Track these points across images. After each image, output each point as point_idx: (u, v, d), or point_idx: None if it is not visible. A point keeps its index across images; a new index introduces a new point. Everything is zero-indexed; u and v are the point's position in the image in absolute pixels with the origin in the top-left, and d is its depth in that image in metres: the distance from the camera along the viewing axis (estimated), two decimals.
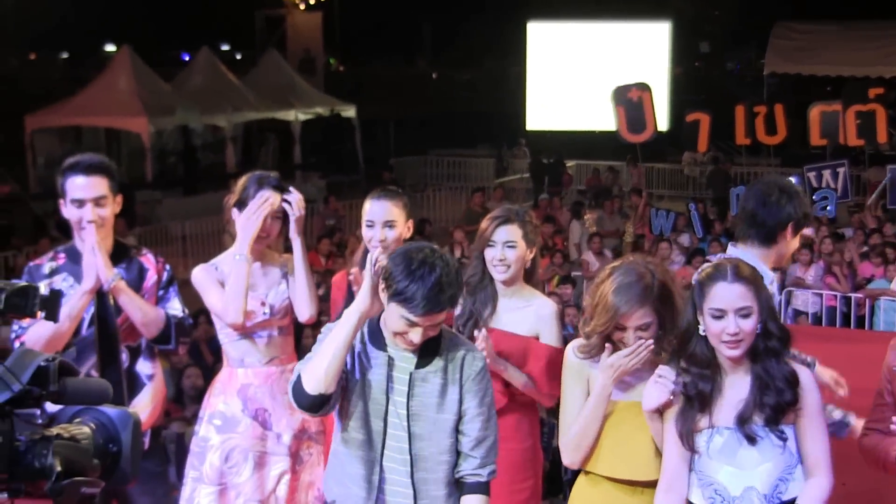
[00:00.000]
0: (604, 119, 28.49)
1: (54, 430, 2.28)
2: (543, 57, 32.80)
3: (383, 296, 4.18)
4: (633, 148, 23.30)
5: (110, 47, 34.85)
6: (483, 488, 4.41)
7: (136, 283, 5.49)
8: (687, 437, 4.27)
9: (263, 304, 5.62)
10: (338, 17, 39.87)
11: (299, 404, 4.24)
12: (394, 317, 4.16)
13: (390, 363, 4.30)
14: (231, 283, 5.50)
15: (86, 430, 2.37)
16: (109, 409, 2.44)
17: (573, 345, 4.69)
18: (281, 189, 5.64)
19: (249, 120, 28.04)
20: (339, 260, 16.44)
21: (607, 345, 4.52)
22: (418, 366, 4.30)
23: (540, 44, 32.90)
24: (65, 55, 42.71)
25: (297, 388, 4.21)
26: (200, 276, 5.63)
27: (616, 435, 4.58)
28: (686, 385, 4.27)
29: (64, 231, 5.08)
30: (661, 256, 16.95)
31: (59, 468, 2.21)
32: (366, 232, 5.73)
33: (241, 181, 5.70)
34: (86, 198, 5.24)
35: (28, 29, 38.16)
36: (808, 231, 18.25)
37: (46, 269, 5.41)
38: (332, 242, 18.17)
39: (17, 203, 21.97)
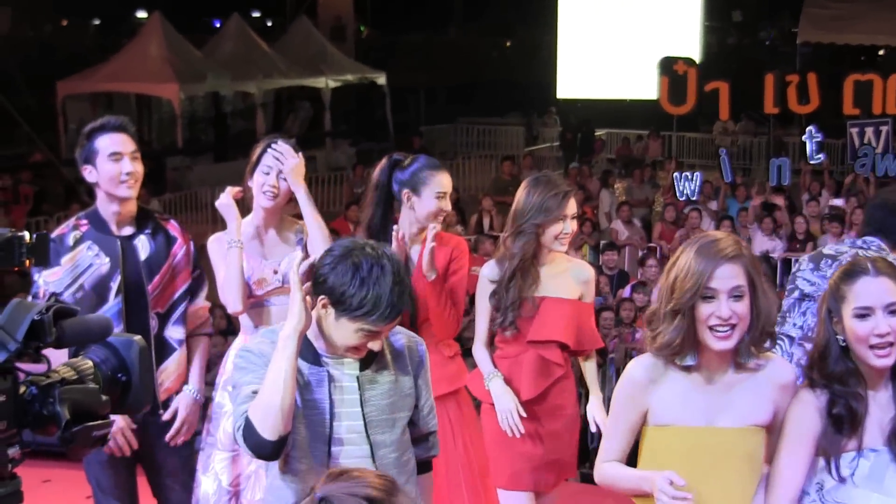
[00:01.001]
0: (635, 87, 28.46)
1: (60, 373, 2.26)
2: (575, 25, 32.58)
3: (323, 312, 3.72)
4: (663, 118, 23.23)
5: (142, 14, 34.81)
6: (430, 464, 4.25)
7: (164, 251, 5.48)
8: (834, 463, 3.75)
9: (276, 271, 5.57)
10: None
11: (260, 454, 3.70)
12: (347, 332, 3.71)
13: (330, 378, 3.83)
14: (225, 272, 5.46)
15: (88, 363, 2.35)
16: (113, 339, 2.42)
17: (640, 361, 3.96)
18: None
19: (280, 87, 28.07)
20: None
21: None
22: (362, 367, 3.87)
23: (571, 12, 32.69)
24: (97, 22, 42.66)
25: (252, 436, 3.66)
26: (213, 248, 5.63)
27: (694, 470, 3.79)
28: (832, 403, 3.75)
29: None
30: (691, 226, 16.95)
31: (67, 416, 2.19)
32: (436, 203, 5.64)
33: (257, 147, 5.65)
34: (123, 151, 5.26)
35: None
36: (837, 201, 18.31)
37: (70, 239, 5.35)
38: (360, 209, 18.15)
39: (49, 169, 22.09)
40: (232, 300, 5.48)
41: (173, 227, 5.57)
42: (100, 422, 2.28)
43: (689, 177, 18.93)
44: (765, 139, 25.93)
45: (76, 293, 5.30)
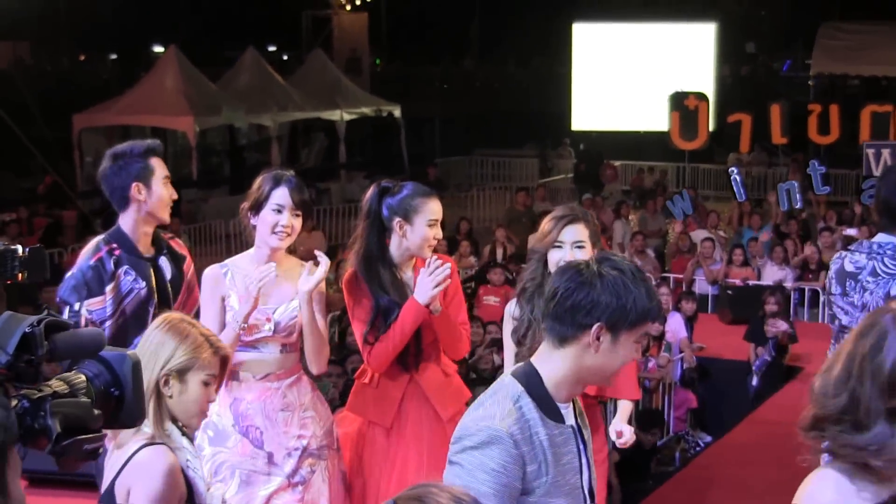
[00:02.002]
0: (649, 119, 28.55)
1: (52, 387, 2.27)
2: (589, 57, 32.70)
3: (595, 344, 3.28)
4: (678, 151, 23.31)
5: (158, 48, 35.08)
6: None
7: (180, 270, 5.62)
8: None
9: (269, 319, 5.47)
10: (385, 17, 40.07)
11: None
12: (628, 348, 3.34)
13: (575, 435, 3.45)
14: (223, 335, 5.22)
15: (81, 377, 2.36)
16: (107, 353, 2.42)
17: (824, 482, 2.88)
18: (300, 189, 5.56)
19: (295, 119, 28.18)
20: None
21: None
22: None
23: (586, 44, 32.82)
24: (114, 56, 43.03)
25: None
26: (206, 283, 5.57)
27: None
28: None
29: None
30: (704, 255, 16.98)
31: (58, 429, 2.20)
32: (429, 231, 5.60)
33: (257, 181, 5.56)
34: (168, 174, 5.54)
35: (79, 29, 38.56)
36: (851, 231, 18.32)
37: (112, 264, 5.41)
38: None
39: (64, 201, 22.21)
40: None
41: (179, 245, 5.67)
42: (91, 435, 2.29)
43: (681, 198, 19.03)
44: (778, 170, 25.97)
45: (118, 320, 5.39)
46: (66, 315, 5.26)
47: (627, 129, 31.68)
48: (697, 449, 11.88)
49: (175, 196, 5.57)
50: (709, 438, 12.22)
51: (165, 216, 5.54)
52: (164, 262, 5.57)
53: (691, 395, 12.94)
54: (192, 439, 4.03)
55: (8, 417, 2.13)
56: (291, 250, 5.70)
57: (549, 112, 34.01)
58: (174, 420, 3.92)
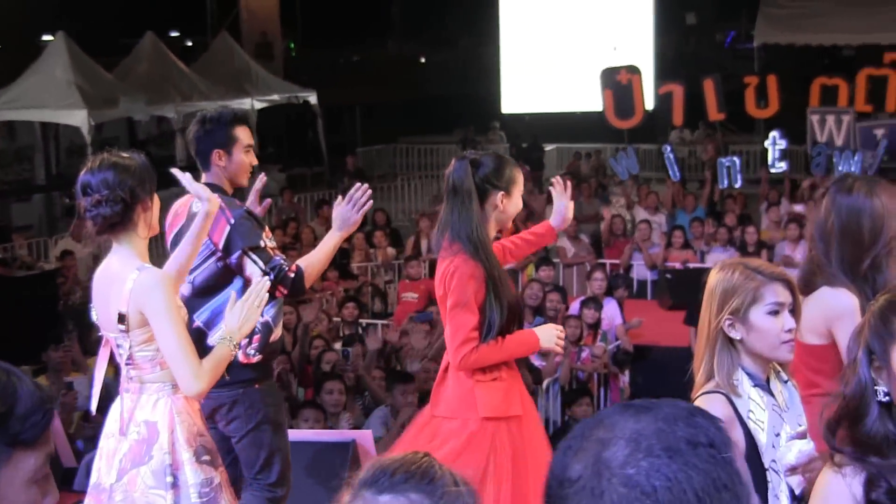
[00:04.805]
0: (585, 99, 28.52)
1: None
2: (519, 36, 32.78)
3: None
4: (617, 131, 23.28)
5: (48, 36, 34.64)
6: None
7: None
8: None
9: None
10: None
11: None
12: None
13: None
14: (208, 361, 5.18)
15: None
16: None
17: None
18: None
19: (200, 110, 27.82)
20: (291, 252, 16.40)
21: None
22: None
23: (515, 21, 32.87)
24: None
25: None
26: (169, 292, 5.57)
27: None
28: (870, 485, 3.01)
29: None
30: (641, 238, 16.98)
31: None
32: (521, 202, 6.07)
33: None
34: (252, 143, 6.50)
35: None
36: (798, 207, 18.39)
37: None
38: (285, 234, 18.15)
39: None
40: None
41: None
42: None
43: (625, 153, 19.13)
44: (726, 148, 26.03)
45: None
46: (256, 257, 6.02)
47: (562, 111, 31.71)
48: None
49: (255, 162, 6.47)
50: None
51: (244, 182, 6.47)
52: None
53: (625, 381, 12.99)
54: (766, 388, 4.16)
55: None
56: None
57: (478, 95, 34.01)
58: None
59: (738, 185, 19.43)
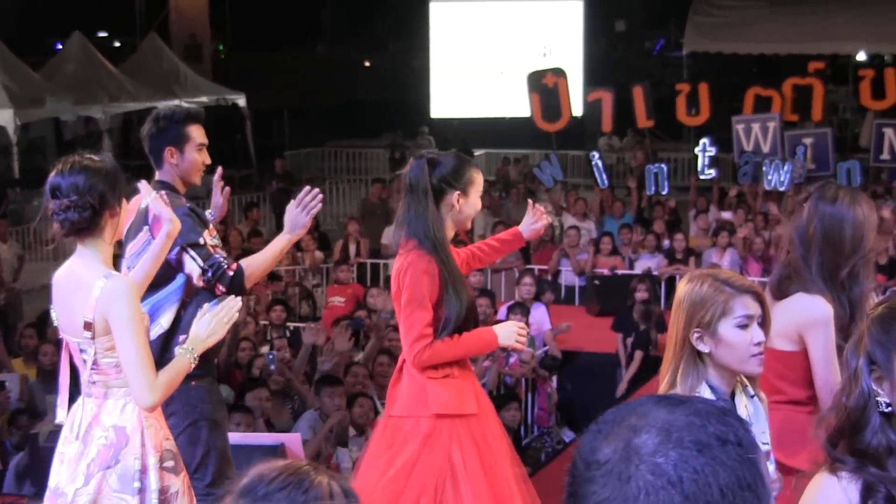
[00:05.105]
0: (514, 105, 28.58)
1: None
2: (449, 40, 32.79)
3: None
4: (543, 136, 23.32)
5: None
6: None
7: None
8: None
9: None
10: None
11: None
12: None
13: None
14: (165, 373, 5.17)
15: None
16: None
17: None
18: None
19: (128, 111, 27.72)
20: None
21: None
22: None
23: (445, 26, 32.90)
24: None
25: None
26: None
27: None
28: (867, 494, 2.95)
29: None
30: (569, 244, 17.04)
31: None
32: (479, 203, 6.05)
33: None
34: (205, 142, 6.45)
35: None
36: (726, 214, 18.55)
37: None
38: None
39: None
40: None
41: None
42: None
43: (549, 161, 19.22)
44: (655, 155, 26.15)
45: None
46: (195, 254, 6.02)
47: (491, 116, 31.78)
48: (559, 447, 11.87)
49: (208, 161, 6.38)
50: (572, 435, 12.25)
51: (196, 180, 6.43)
52: None
53: (553, 387, 13.04)
54: None
55: None
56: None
57: (408, 100, 34.02)
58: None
59: (664, 191, 19.57)
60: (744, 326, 4.00)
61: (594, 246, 17.22)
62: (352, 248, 18.65)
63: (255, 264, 6.21)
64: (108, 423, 5.18)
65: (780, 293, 5.09)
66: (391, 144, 31.22)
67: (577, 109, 24.93)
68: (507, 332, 5.96)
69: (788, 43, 27.97)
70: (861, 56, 29.75)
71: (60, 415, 5.44)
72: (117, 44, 38.51)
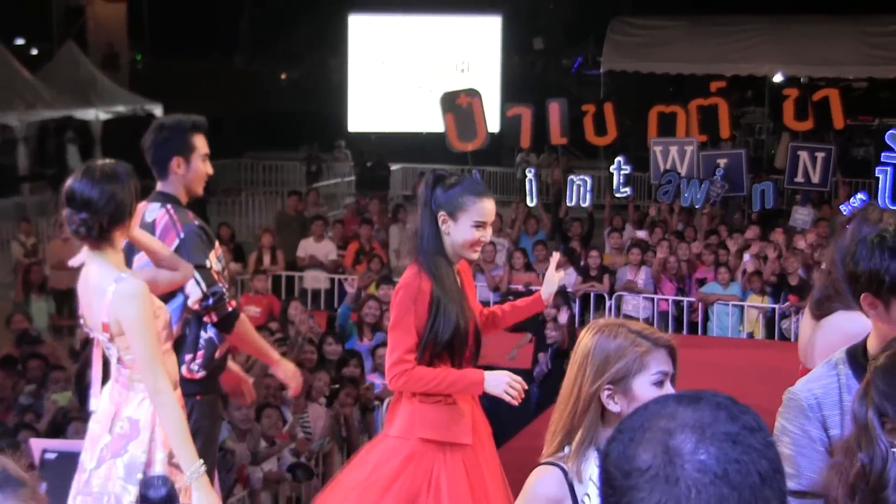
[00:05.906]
0: (431, 121, 28.67)
1: None
2: (367, 53, 32.79)
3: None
4: (462, 153, 23.42)
5: None
6: None
7: None
8: None
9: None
10: (146, 8, 39.36)
11: None
12: None
13: None
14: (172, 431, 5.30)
15: None
16: None
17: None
18: None
19: (44, 119, 27.56)
20: None
21: None
22: None
23: (363, 39, 32.89)
24: None
25: None
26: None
27: None
28: None
29: None
30: (484, 259, 17.15)
31: None
32: (474, 233, 5.76)
33: None
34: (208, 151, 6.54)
35: None
36: (640, 233, 18.80)
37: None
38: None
39: None
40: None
41: None
42: None
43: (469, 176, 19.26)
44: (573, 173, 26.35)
45: None
46: (199, 277, 6.01)
47: (408, 131, 31.84)
48: None
49: (211, 171, 6.44)
50: None
51: (199, 191, 6.42)
52: None
53: None
54: None
55: None
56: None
57: (325, 113, 34.03)
58: None
59: (585, 203, 19.80)
60: (659, 384, 3.68)
61: (508, 262, 17.37)
62: (266, 259, 18.69)
63: (248, 327, 6.38)
64: (125, 415, 5.36)
65: (821, 312, 5.16)
66: (308, 157, 31.18)
67: (494, 126, 25.05)
68: (497, 380, 5.73)
69: (705, 63, 28.28)
70: (778, 78, 30.12)
71: (94, 404, 5.57)
72: (34, 51, 38.22)
